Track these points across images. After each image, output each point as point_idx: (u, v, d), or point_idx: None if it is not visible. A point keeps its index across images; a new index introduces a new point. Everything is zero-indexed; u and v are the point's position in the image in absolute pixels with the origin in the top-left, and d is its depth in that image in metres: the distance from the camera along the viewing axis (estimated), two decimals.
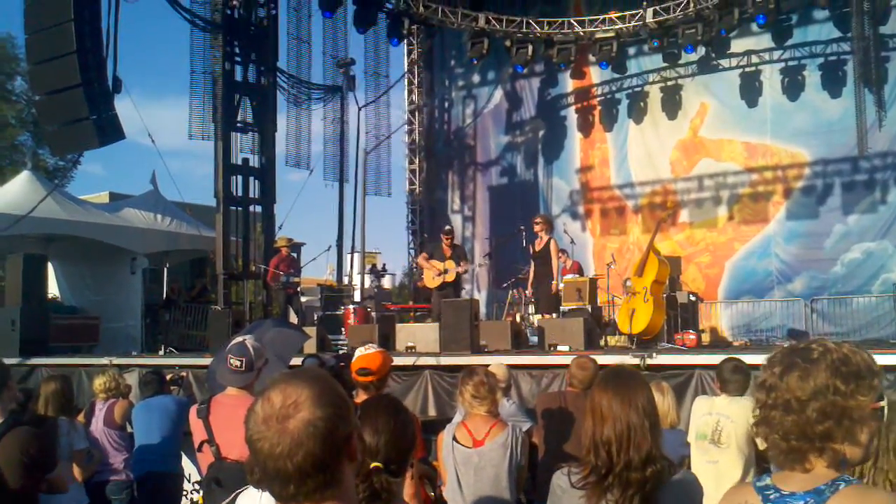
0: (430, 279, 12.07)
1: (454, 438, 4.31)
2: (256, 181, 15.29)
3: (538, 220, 11.86)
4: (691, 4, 14.21)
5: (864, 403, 1.83)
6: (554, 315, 11.33)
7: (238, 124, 15.06)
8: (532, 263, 11.84)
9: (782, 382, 1.87)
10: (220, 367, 4.17)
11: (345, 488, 1.61)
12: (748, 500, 1.89)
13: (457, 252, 12.25)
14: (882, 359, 6.89)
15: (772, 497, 1.86)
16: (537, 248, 11.61)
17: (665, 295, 10.43)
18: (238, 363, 4.03)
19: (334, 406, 1.58)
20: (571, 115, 17.81)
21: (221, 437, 3.84)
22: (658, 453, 2.70)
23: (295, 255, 15.26)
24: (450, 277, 11.89)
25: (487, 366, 5.63)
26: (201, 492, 4.06)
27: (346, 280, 17.04)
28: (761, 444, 1.99)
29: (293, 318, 13.38)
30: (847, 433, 1.82)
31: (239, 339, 4.20)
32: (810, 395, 1.83)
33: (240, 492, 2.63)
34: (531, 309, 12.86)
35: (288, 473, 1.53)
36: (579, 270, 13.43)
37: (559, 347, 9.53)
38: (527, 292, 12.86)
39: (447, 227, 12.95)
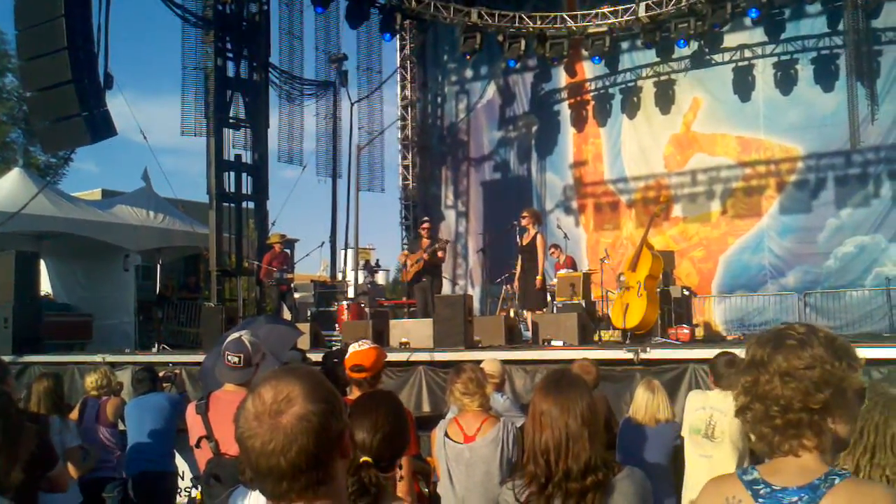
0: (405, 274, 12.73)
1: (446, 434, 4.31)
2: (249, 177, 15.22)
3: (525, 213, 11.70)
4: None
5: (855, 380, 1.83)
6: (544, 310, 11.33)
7: (230, 120, 15.00)
8: (519, 258, 11.70)
9: (777, 355, 1.84)
10: (217, 365, 4.15)
11: (337, 485, 1.59)
12: (736, 494, 1.83)
13: (434, 242, 12.64)
14: (876, 352, 6.90)
15: (762, 493, 1.80)
16: (524, 243, 11.50)
17: (659, 289, 10.44)
18: (236, 359, 4.01)
19: (327, 401, 1.56)
20: (564, 110, 17.79)
21: (220, 433, 3.81)
22: (598, 462, 2.66)
23: (288, 251, 15.25)
24: (407, 277, 12.71)
25: (480, 361, 5.62)
26: (199, 488, 4.03)
27: (339, 276, 17.01)
28: (748, 430, 1.96)
29: (286, 315, 13.38)
30: (842, 407, 1.81)
31: (235, 335, 4.17)
32: (808, 364, 1.81)
33: (232, 490, 2.61)
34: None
35: (281, 470, 1.51)
36: (573, 265, 13.41)
37: (553, 342, 9.53)
38: (512, 287, 12.85)
39: (423, 219, 13.20)
